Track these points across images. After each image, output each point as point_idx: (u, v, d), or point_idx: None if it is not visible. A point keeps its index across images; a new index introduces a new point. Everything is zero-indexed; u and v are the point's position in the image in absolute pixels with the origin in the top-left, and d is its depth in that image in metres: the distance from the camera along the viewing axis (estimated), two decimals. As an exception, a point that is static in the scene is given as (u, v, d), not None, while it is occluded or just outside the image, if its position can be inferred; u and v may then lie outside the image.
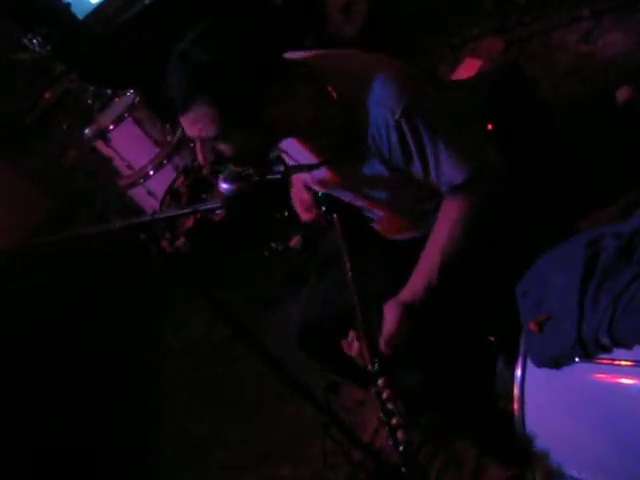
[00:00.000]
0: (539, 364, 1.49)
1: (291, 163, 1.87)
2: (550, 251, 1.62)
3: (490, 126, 2.15)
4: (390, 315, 1.70)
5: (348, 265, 1.68)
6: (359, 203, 1.91)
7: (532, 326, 1.51)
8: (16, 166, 4.09)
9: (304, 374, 1.95)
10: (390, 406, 1.47)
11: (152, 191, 3.71)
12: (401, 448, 1.40)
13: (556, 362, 1.45)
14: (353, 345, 1.70)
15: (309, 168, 1.79)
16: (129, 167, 3.74)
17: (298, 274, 2.64)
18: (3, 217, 3.76)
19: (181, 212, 1.71)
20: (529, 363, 1.53)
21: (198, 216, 1.78)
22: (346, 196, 1.87)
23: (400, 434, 1.40)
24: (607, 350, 1.37)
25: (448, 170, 1.66)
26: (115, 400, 3.41)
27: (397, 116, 1.58)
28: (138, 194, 3.82)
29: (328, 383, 2.62)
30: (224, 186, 1.52)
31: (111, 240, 1.74)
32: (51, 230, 3.96)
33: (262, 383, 2.08)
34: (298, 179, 2.06)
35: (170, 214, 1.76)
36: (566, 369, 1.44)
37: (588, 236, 1.54)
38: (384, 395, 1.50)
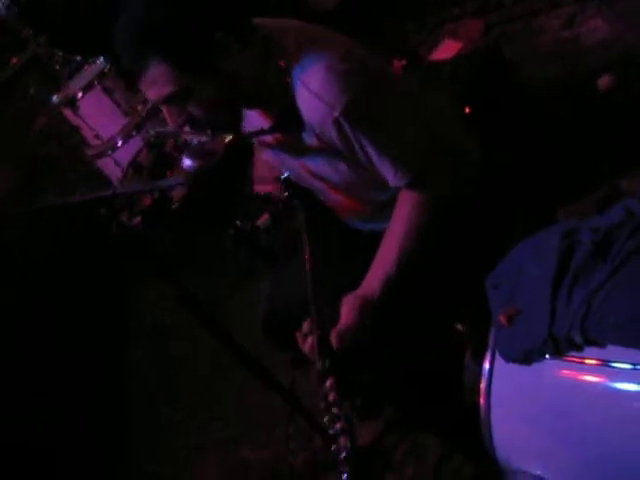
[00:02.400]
0: (508, 359, 1.45)
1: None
2: (524, 241, 1.58)
3: (468, 109, 2.12)
4: (346, 308, 1.66)
5: (307, 255, 1.63)
6: (314, 184, 1.86)
7: (502, 319, 1.47)
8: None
9: (269, 358, 1.92)
10: (335, 411, 1.40)
11: (120, 162, 3.62)
12: (343, 455, 1.34)
13: (526, 358, 1.41)
14: (307, 340, 1.64)
15: (253, 135, 1.75)
16: (97, 137, 3.65)
17: (265, 254, 2.59)
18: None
19: (143, 188, 1.65)
20: (497, 357, 1.49)
21: (155, 195, 1.72)
22: (294, 168, 1.82)
23: (343, 441, 1.34)
24: (579, 348, 1.33)
25: (390, 171, 1.62)
26: (82, 384, 3.31)
27: (336, 113, 1.53)
28: (106, 165, 3.73)
29: (294, 359, 2.59)
30: (187, 162, 1.47)
31: (73, 214, 1.67)
32: (16, 199, 3.87)
33: (228, 366, 2.05)
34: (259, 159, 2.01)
35: (132, 190, 1.69)
36: (535, 365, 1.40)
37: (564, 227, 1.50)
38: (330, 398, 1.43)
